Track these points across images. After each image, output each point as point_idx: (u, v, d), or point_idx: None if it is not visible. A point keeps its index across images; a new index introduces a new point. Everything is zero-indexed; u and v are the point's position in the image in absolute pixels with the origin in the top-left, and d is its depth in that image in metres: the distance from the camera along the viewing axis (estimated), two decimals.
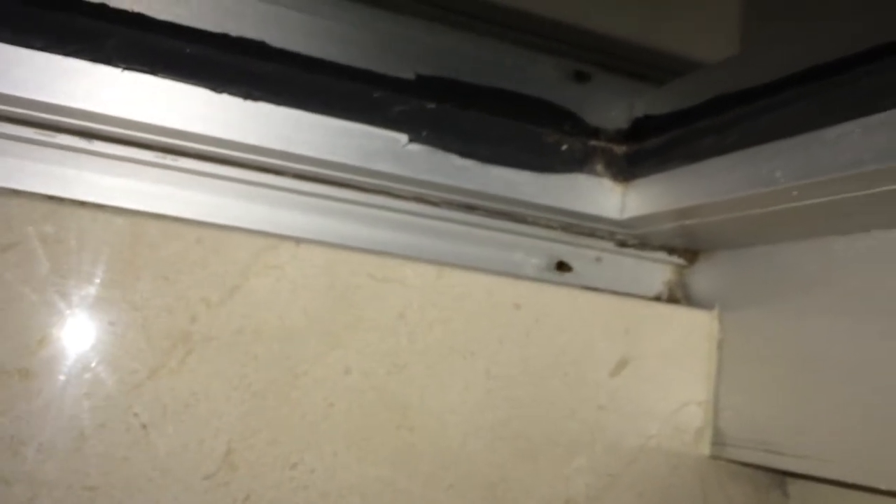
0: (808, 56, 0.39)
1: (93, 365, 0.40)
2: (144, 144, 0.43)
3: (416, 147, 0.45)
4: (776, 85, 0.41)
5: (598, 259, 0.55)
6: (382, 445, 0.45)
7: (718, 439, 0.52)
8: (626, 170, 0.49)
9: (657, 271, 0.57)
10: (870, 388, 0.43)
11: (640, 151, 0.48)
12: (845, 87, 0.36)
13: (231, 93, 0.42)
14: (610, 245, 0.55)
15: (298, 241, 0.44)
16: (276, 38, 0.43)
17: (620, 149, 0.49)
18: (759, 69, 0.43)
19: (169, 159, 0.44)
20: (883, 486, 0.41)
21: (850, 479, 0.43)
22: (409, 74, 0.46)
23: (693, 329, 0.53)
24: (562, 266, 0.54)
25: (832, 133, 0.36)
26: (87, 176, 0.42)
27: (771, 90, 0.41)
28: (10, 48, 0.38)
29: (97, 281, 0.40)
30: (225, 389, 0.42)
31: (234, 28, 0.42)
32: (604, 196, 0.50)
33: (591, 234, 0.53)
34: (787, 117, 0.39)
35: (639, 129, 0.49)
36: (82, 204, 0.41)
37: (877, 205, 0.39)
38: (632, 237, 0.54)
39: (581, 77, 0.49)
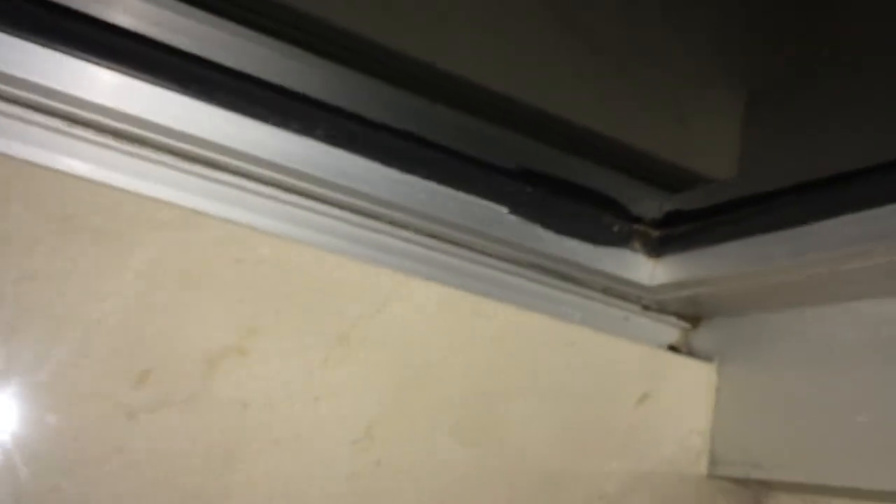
0: (796, 174, 0.58)
1: (277, 356, 0.55)
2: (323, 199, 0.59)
3: (513, 218, 0.63)
4: (773, 194, 0.59)
5: (626, 319, 0.72)
6: (474, 424, 0.60)
7: (714, 460, 0.68)
8: (658, 248, 0.67)
9: (667, 332, 0.74)
10: (830, 418, 0.60)
11: (669, 235, 0.66)
12: (827, 197, 0.54)
13: (395, 167, 0.58)
14: (636, 308, 0.72)
15: (423, 278, 0.61)
16: (427, 131, 0.60)
17: (655, 233, 0.67)
18: (759, 182, 0.62)
19: (341, 213, 0.60)
20: (838, 484, 0.58)
21: (813, 481, 0.59)
22: (511, 165, 0.63)
23: (697, 375, 0.70)
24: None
25: (817, 227, 0.54)
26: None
27: (769, 197, 0.59)
28: None
29: (285, 298, 0.56)
30: (374, 378, 0.57)
31: (395, 122, 0.60)
32: (639, 267, 0.67)
33: (624, 297, 0.71)
34: (783, 216, 0.57)
35: (669, 220, 0.67)
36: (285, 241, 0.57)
37: (842, 282, 0.57)
38: (654, 302, 0.71)
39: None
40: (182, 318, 0.52)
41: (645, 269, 0.67)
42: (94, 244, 0.51)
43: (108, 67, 0.51)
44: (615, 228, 0.66)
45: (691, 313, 0.73)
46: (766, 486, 0.67)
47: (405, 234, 0.61)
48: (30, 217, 0.50)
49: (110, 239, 0.51)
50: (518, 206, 0.63)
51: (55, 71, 0.50)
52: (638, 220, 0.67)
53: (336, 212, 0.59)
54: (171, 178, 0.55)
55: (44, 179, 0.51)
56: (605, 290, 0.70)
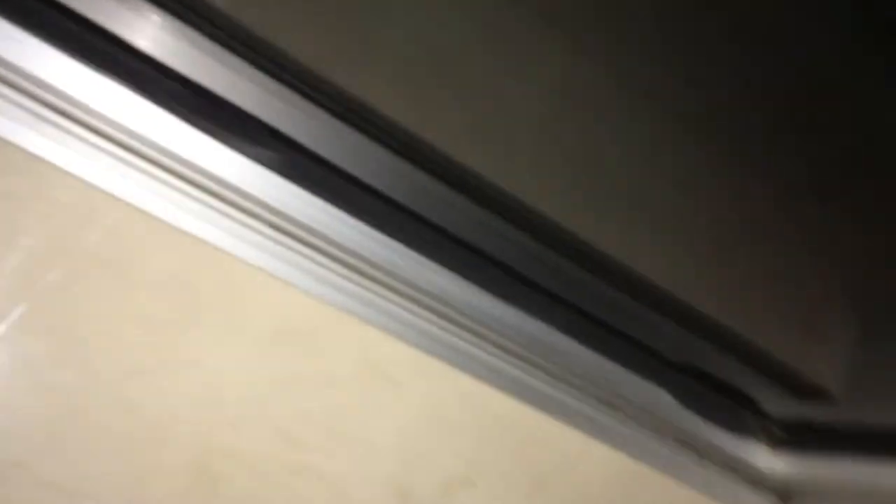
0: None
1: (494, 488, 0.69)
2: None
3: (671, 400, 0.78)
4: (881, 423, 0.74)
5: (736, 495, 0.86)
6: None
7: None
8: (781, 443, 0.82)
9: None
10: None
11: (789, 435, 0.81)
12: None
13: (593, 349, 0.74)
14: (746, 483, 0.86)
15: (601, 441, 0.75)
16: (619, 323, 0.76)
17: (780, 432, 0.82)
18: (871, 407, 0.77)
19: (547, 377, 0.75)
20: None
21: None
22: (677, 359, 0.79)
23: None
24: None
25: None
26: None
27: (877, 425, 0.74)
28: None
29: (505, 443, 0.70)
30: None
31: (595, 311, 0.75)
32: (760, 455, 0.82)
33: (737, 472, 0.85)
34: (884, 444, 0.72)
35: (792, 422, 0.82)
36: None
37: None
38: (762, 485, 0.85)
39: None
40: (431, 449, 0.67)
41: (764, 458, 0.82)
42: (380, 388, 0.66)
43: (282, 176, 0.67)
44: (748, 421, 0.81)
45: (787, 494, 0.88)
46: None
47: (593, 402, 0.77)
48: (338, 360, 0.65)
49: (390, 383, 0.66)
50: (676, 392, 0.78)
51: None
52: (768, 417, 0.82)
53: (543, 376, 0.75)
54: (431, 332, 0.70)
55: (346, 327, 0.66)
56: (725, 466, 0.85)
